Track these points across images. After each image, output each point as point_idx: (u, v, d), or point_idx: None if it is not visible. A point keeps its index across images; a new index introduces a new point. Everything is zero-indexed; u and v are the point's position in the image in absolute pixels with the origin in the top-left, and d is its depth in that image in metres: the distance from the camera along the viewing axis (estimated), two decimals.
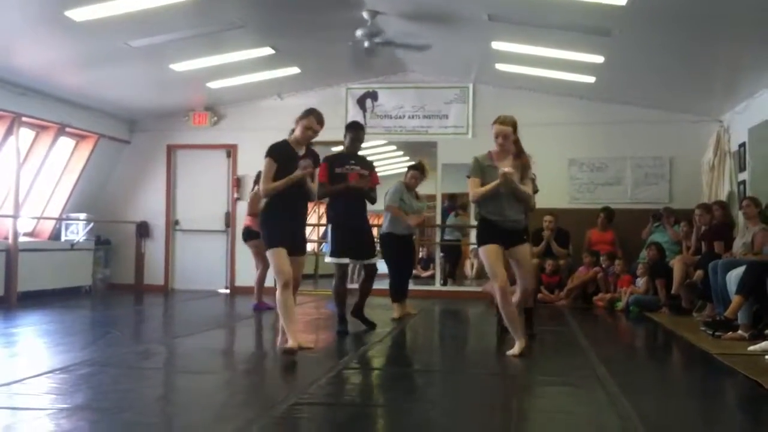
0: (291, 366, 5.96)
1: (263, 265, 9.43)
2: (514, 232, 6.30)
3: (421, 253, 14.25)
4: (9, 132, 10.43)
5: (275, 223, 6.24)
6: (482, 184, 6.29)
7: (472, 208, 12.90)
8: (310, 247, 17.61)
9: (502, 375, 5.86)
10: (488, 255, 6.24)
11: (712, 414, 4.72)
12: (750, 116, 10.00)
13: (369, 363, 6.18)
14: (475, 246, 14.04)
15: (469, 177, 6.39)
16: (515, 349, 6.21)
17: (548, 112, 12.18)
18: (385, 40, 9.52)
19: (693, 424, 4.40)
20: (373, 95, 12.78)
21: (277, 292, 6.16)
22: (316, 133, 6.38)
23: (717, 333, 7.25)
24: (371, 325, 7.90)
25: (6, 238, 10.67)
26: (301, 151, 6.35)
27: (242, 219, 10.83)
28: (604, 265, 11.01)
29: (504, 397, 5.09)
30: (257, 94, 12.59)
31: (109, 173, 13.25)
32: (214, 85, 11.60)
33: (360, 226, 7.67)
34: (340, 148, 12.70)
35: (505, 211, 6.26)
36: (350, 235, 7.46)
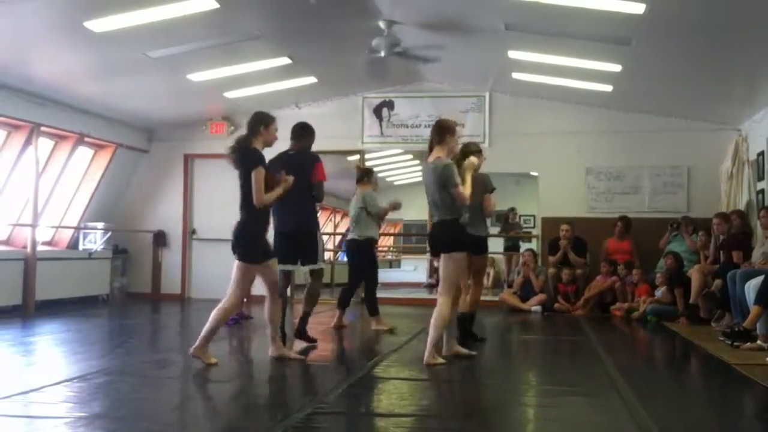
0: (307, 375, 5.95)
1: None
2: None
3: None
4: (28, 142, 10.51)
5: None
6: None
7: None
8: (326, 255, 17.75)
9: (519, 383, 5.84)
10: (462, 264, 6.40)
11: (731, 424, 4.68)
12: None
13: (385, 373, 6.16)
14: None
15: (457, 184, 6.32)
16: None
17: (565, 121, 12.18)
18: (402, 49, 9.53)
19: None
20: (390, 104, 12.79)
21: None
22: None
23: (735, 343, 7.19)
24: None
25: (24, 246, 10.75)
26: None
27: None
28: (621, 275, 10.96)
29: (521, 406, 5.06)
30: (274, 104, 12.57)
31: (127, 182, 13.32)
32: (232, 94, 11.65)
33: None
34: (356, 157, 12.84)
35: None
36: None
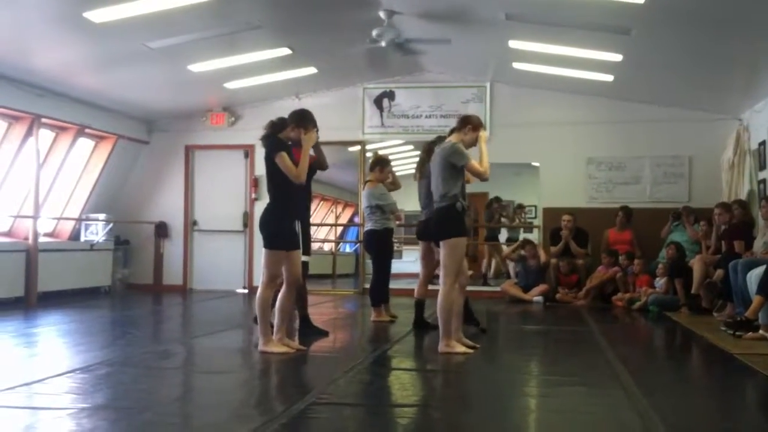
0: (310, 366, 5.96)
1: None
2: None
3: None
4: (29, 133, 10.50)
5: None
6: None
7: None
8: (327, 247, 17.78)
9: (521, 374, 5.85)
10: (463, 249, 6.38)
11: (733, 413, 4.69)
12: None
13: (387, 363, 6.17)
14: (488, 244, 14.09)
15: (469, 160, 6.38)
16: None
17: (566, 110, 12.17)
18: (402, 39, 9.51)
19: (713, 424, 4.37)
20: (390, 95, 12.77)
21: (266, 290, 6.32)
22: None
23: (737, 333, 7.20)
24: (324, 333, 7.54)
25: (26, 238, 10.75)
26: None
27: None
28: (623, 265, 10.96)
29: (522, 396, 5.07)
30: (274, 95, 12.61)
31: (127, 174, 13.32)
32: (232, 85, 11.63)
33: None
34: (357, 148, 12.82)
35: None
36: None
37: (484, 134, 6.57)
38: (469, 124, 6.51)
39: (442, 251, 6.38)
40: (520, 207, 15.68)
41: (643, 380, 5.21)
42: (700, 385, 5.75)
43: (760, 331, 7.07)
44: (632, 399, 4.63)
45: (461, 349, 6.30)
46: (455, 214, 6.33)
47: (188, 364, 6.07)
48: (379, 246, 8.88)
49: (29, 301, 10.37)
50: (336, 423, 4.21)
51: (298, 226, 6.51)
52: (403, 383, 5.54)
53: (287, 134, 6.44)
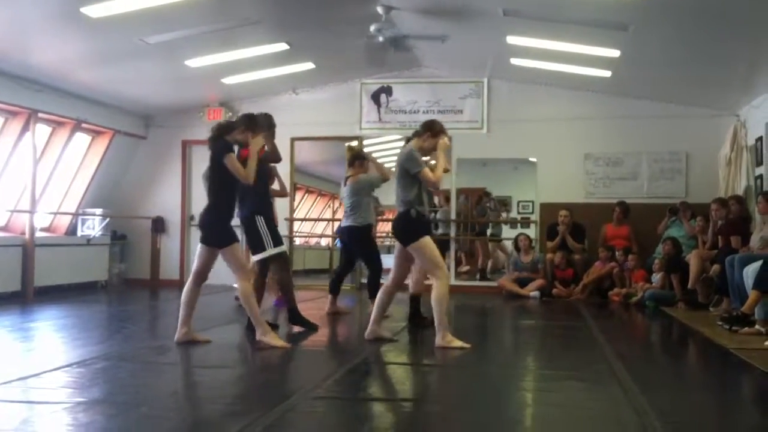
0: (305, 360, 5.96)
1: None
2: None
3: None
4: (25, 128, 10.49)
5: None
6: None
7: (454, 202, 12.89)
8: (324, 242, 17.77)
9: (517, 369, 5.85)
10: (431, 246, 6.38)
11: (729, 409, 4.70)
12: (767, 110, 9.93)
13: (384, 358, 6.17)
14: (489, 240, 14.09)
15: (422, 167, 6.38)
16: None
17: (564, 106, 12.17)
18: (399, 35, 9.50)
19: (709, 419, 4.38)
20: (388, 90, 12.76)
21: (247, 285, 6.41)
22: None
23: (734, 328, 7.22)
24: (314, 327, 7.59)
25: (23, 233, 10.75)
26: None
27: None
28: (619, 260, 10.97)
29: (519, 391, 5.07)
30: (272, 90, 12.60)
31: (125, 169, 13.31)
32: (229, 80, 11.62)
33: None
34: (355, 143, 12.81)
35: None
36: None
37: (443, 142, 6.55)
38: (429, 130, 6.55)
39: (414, 255, 6.47)
40: (503, 203, 15.59)
41: (640, 375, 5.22)
42: (696, 380, 5.76)
43: (756, 326, 7.09)
44: (628, 394, 4.63)
45: (458, 343, 6.31)
46: (410, 219, 6.40)
47: (185, 359, 6.06)
48: (363, 242, 8.88)
49: (26, 296, 10.37)
50: (333, 417, 4.22)
51: (261, 221, 6.95)
52: (399, 378, 5.54)
53: (234, 136, 6.54)
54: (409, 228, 6.42)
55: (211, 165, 6.41)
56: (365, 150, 12.56)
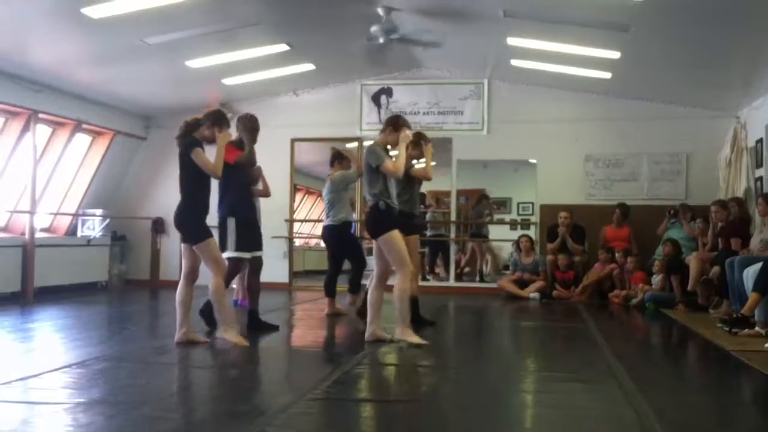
0: (304, 362, 5.95)
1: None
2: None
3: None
4: (26, 128, 10.49)
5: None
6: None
7: (454, 203, 12.89)
8: (324, 243, 17.72)
9: (517, 370, 5.85)
10: (398, 241, 6.51)
11: (729, 410, 4.69)
12: (767, 112, 9.94)
13: (383, 360, 6.17)
14: (489, 241, 14.09)
15: (382, 161, 6.56)
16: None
17: (564, 108, 12.18)
18: (400, 36, 9.50)
19: (709, 421, 4.38)
20: (388, 91, 12.77)
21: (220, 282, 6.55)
22: None
23: (734, 330, 7.21)
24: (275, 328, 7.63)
25: (23, 233, 10.75)
26: None
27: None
28: (619, 262, 10.96)
29: (518, 392, 5.07)
30: (272, 91, 12.61)
31: (125, 169, 13.31)
32: (230, 81, 11.62)
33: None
34: (355, 144, 12.81)
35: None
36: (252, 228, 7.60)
37: (404, 134, 6.70)
38: (391, 125, 6.77)
39: (382, 248, 6.59)
40: (496, 204, 15.54)
41: (640, 376, 5.21)
42: (696, 381, 5.76)
43: (756, 328, 7.08)
44: (628, 395, 4.63)
45: (416, 339, 6.51)
46: (378, 213, 6.56)
47: (185, 360, 6.06)
48: (340, 240, 8.97)
49: (26, 296, 10.37)
50: (332, 419, 4.22)
51: (232, 223, 7.19)
52: (398, 379, 5.54)
53: (202, 133, 6.64)
54: (377, 221, 6.57)
55: (180, 162, 6.56)
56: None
